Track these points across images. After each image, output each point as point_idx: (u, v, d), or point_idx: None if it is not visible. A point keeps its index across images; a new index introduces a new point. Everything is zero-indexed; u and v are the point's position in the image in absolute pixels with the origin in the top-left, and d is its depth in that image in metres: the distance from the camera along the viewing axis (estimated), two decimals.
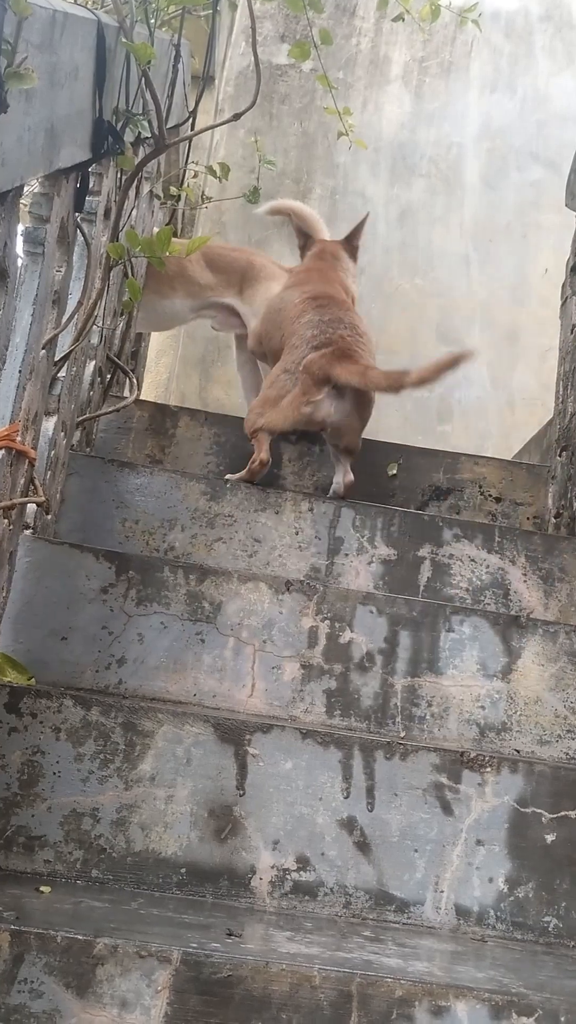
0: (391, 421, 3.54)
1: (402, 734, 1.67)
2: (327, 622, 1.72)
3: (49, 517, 1.88)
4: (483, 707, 1.71)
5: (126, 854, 1.30)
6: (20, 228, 1.48)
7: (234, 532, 2.03)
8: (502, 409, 3.66)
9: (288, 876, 1.31)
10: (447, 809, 1.36)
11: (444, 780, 1.37)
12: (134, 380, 2.28)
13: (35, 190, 1.55)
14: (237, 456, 2.43)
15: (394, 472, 2.45)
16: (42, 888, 1.20)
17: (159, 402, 2.80)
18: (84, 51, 1.48)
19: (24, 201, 1.56)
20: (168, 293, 2.81)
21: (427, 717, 1.69)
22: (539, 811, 1.37)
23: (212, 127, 2.41)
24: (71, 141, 1.48)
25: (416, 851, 1.34)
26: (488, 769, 1.37)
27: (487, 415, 3.67)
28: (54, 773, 1.32)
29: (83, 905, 1.16)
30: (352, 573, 2.03)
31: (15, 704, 1.34)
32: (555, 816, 1.36)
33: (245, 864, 1.31)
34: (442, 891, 1.32)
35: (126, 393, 2.46)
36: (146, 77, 1.66)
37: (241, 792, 1.34)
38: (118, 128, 1.77)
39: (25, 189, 1.48)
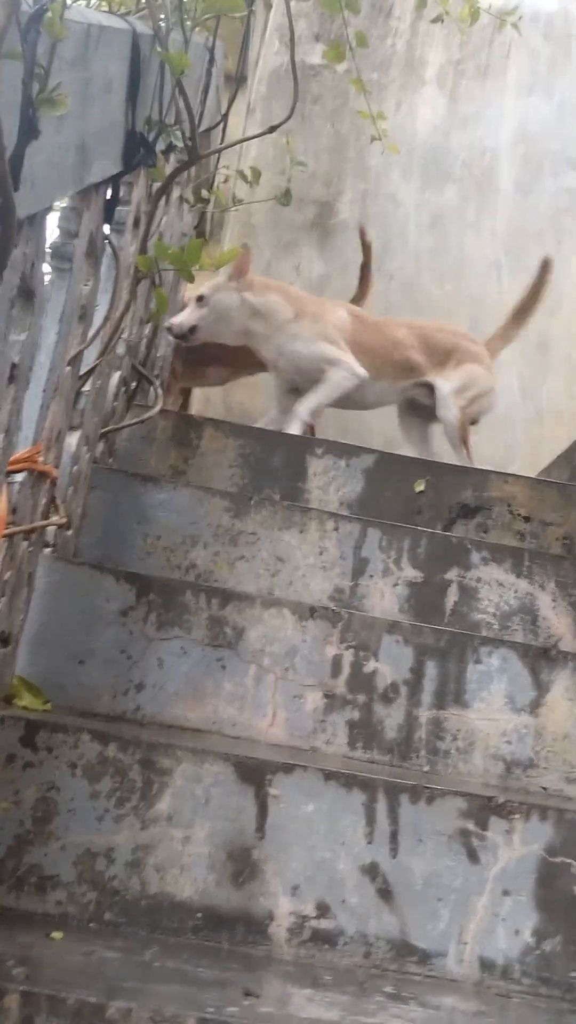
0: None
1: (426, 768, 1.62)
2: (351, 651, 1.68)
3: (70, 533, 1.85)
4: (510, 742, 1.66)
5: (140, 896, 1.26)
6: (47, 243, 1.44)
7: (257, 550, 1.99)
8: (530, 420, 3.60)
9: (307, 923, 1.27)
10: (473, 857, 1.31)
11: (471, 826, 1.32)
12: (159, 391, 2.24)
13: (64, 204, 1.51)
14: (262, 469, 2.39)
15: (421, 489, 2.40)
16: (53, 934, 1.17)
17: (183, 412, 2.76)
18: (118, 63, 1.44)
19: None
20: None
21: (452, 751, 1.65)
22: (569, 861, 1.32)
23: (245, 140, 2.36)
24: (102, 155, 1.44)
25: (440, 900, 1.29)
26: (516, 816, 1.33)
27: (515, 426, 3.61)
28: (69, 811, 1.28)
29: (95, 956, 1.13)
30: (377, 595, 1.98)
31: (31, 738, 1.31)
32: None
33: (263, 910, 1.27)
34: (466, 943, 1.28)
35: (152, 401, 2.42)
36: (181, 88, 1.61)
37: (261, 835, 1.30)
38: (150, 138, 1.73)
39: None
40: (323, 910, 1.28)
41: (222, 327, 2.86)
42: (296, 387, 2.95)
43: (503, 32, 3.86)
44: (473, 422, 3.08)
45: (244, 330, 2.88)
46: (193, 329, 2.83)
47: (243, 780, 1.32)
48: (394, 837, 1.31)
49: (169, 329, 2.81)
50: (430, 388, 3.03)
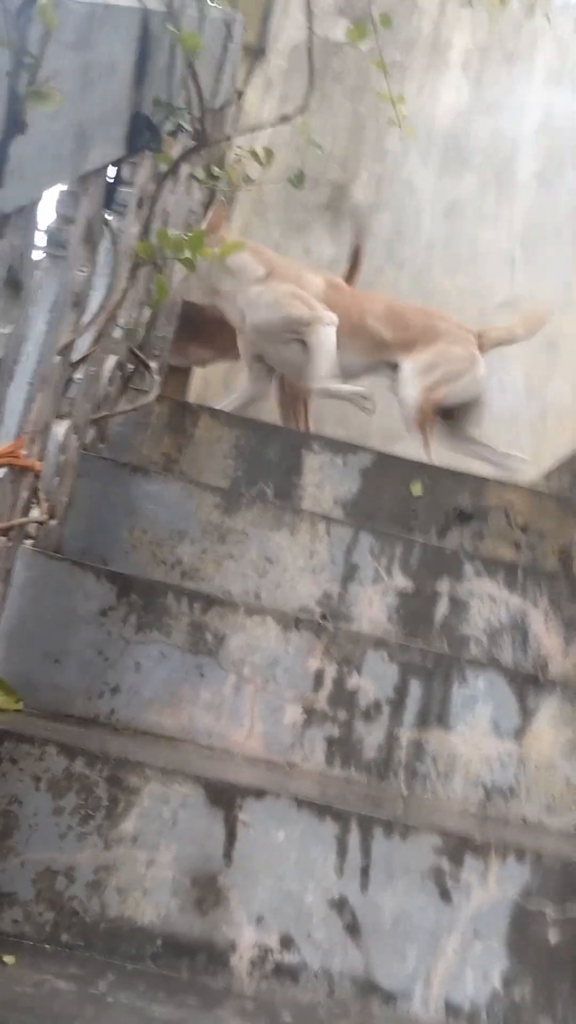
0: None
1: (404, 791, 1.58)
2: (335, 665, 1.63)
3: (53, 523, 1.79)
4: (492, 769, 1.62)
5: (100, 919, 1.22)
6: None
7: (246, 549, 1.94)
8: (534, 420, 3.54)
9: (270, 956, 1.23)
10: (446, 896, 1.27)
11: (445, 865, 1.28)
12: (155, 376, 2.18)
13: (62, 188, 1.45)
14: (257, 462, 2.33)
15: (418, 492, 2.35)
16: (5, 958, 1.13)
17: (179, 398, 2.70)
18: (124, 43, 1.37)
19: None
20: None
21: (432, 775, 1.60)
22: (544, 908, 1.28)
23: (260, 128, 2.27)
24: (103, 140, 1.37)
25: (409, 939, 1.25)
26: (493, 857, 1.29)
27: (518, 425, 3.54)
28: (30, 826, 1.24)
29: (46, 987, 1.08)
30: (365, 603, 1.93)
31: None
32: (560, 915, 1.27)
33: (226, 940, 1.23)
34: (433, 985, 1.24)
35: (148, 386, 2.35)
36: (192, 71, 1.54)
37: (228, 861, 1.25)
38: (157, 120, 1.65)
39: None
40: (287, 943, 1.24)
41: (191, 282, 2.68)
42: (262, 354, 2.83)
43: (532, 19, 3.76)
44: (447, 409, 2.89)
45: (211, 288, 2.73)
46: None
47: (212, 803, 1.27)
48: (365, 872, 1.27)
49: None
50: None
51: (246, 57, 2.78)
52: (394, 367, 2.88)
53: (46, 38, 0.90)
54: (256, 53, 2.76)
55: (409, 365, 2.82)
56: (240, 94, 2.45)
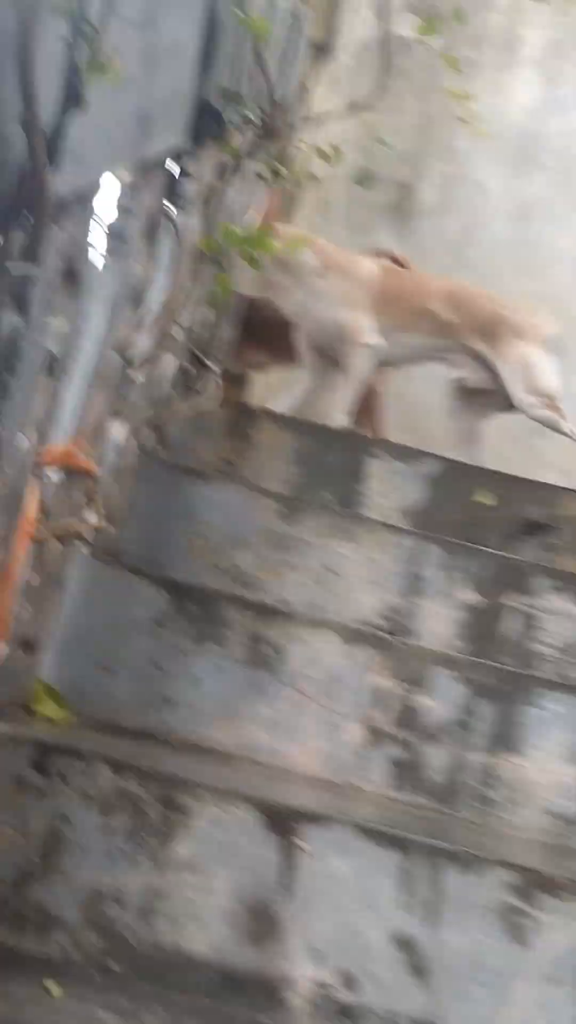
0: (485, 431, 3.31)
1: (472, 818, 1.49)
2: (399, 683, 1.55)
3: (110, 529, 1.74)
4: (567, 797, 1.52)
5: (150, 948, 1.15)
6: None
7: (306, 559, 1.86)
8: None
9: (330, 995, 1.15)
10: (519, 937, 1.18)
11: (518, 903, 1.19)
12: (217, 378, 2.12)
13: (124, 181, 1.39)
14: (319, 468, 2.26)
15: (484, 501, 2.25)
16: (50, 987, 1.06)
17: (240, 402, 2.64)
18: (189, 24, 1.31)
19: None
20: None
21: (502, 802, 1.51)
22: None
23: (328, 116, 2.20)
24: (166, 127, 1.31)
25: (478, 983, 1.16)
26: (570, 894, 1.19)
27: None
28: (79, 846, 1.18)
29: (94, 1021, 1.02)
30: (431, 617, 1.84)
31: (43, 762, 1.20)
32: None
33: (283, 975, 1.16)
34: None
35: (209, 389, 2.30)
36: (260, 59, 1.47)
37: (286, 890, 1.18)
38: (222, 110, 1.59)
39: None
40: (349, 982, 1.16)
41: (242, 274, 2.64)
42: (320, 345, 2.74)
43: None
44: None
45: (265, 280, 2.60)
46: None
47: (270, 828, 1.20)
48: (432, 907, 1.18)
49: None
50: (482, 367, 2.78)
51: (312, 54, 2.71)
52: (476, 359, 2.79)
53: (108, 8, 0.83)
54: (322, 50, 2.69)
55: (503, 366, 2.74)
56: (306, 90, 2.38)
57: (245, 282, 2.68)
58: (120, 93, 1.03)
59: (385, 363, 2.82)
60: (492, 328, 2.77)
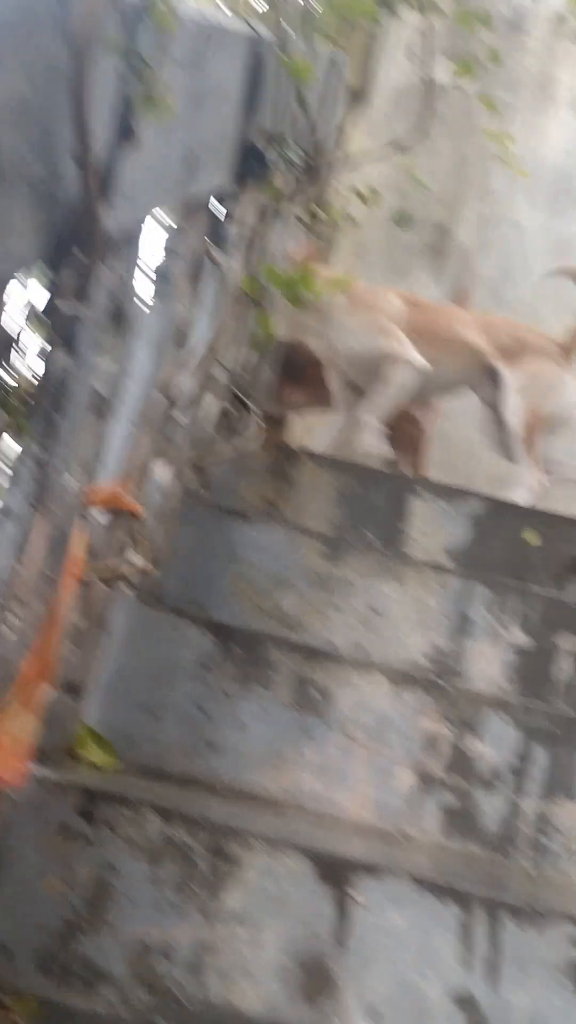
0: None
1: (529, 868, 1.44)
2: (451, 727, 1.51)
3: (155, 571, 1.72)
4: None
5: (200, 1004, 1.11)
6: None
7: (351, 600, 1.83)
8: None
9: None
10: None
11: None
12: (259, 420, 2.11)
13: (169, 223, 1.39)
14: (361, 508, 2.23)
15: (532, 541, 2.21)
16: None
17: (281, 443, 2.63)
18: (234, 68, 1.31)
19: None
20: None
21: (561, 852, 1.46)
22: None
23: (369, 159, 2.21)
24: (211, 168, 1.31)
25: None
26: None
27: None
28: (126, 896, 1.14)
29: None
30: (481, 660, 1.80)
31: (89, 809, 1.17)
32: None
33: None
34: None
35: (250, 430, 2.28)
36: (302, 101, 1.48)
37: (339, 945, 1.14)
38: (265, 151, 1.59)
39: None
40: None
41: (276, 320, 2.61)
42: (354, 382, 2.68)
43: None
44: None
45: (295, 323, 2.57)
46: None
47: (323, 879, 1.16)
48: (493, 964, 1.13)
49: None
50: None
51: (349, 99, 2.73)
52: (492, 378, 2.73)
53: (161, 46, 0.83)
54: (359, 96, 2.71)
55: (510, 380, 2.68)
56: (344, 134, 2.39)
57: (277, 326, 2.68)
58: (168, 132, 1.03)
59: (421, 399, 2.79)
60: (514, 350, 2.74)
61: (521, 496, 2.55)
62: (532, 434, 2.69)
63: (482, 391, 2.77)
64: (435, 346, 2.65)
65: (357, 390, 2.73)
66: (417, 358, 2.56)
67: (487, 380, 2.74)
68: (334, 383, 2.75)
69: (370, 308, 2.63)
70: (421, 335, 2.64)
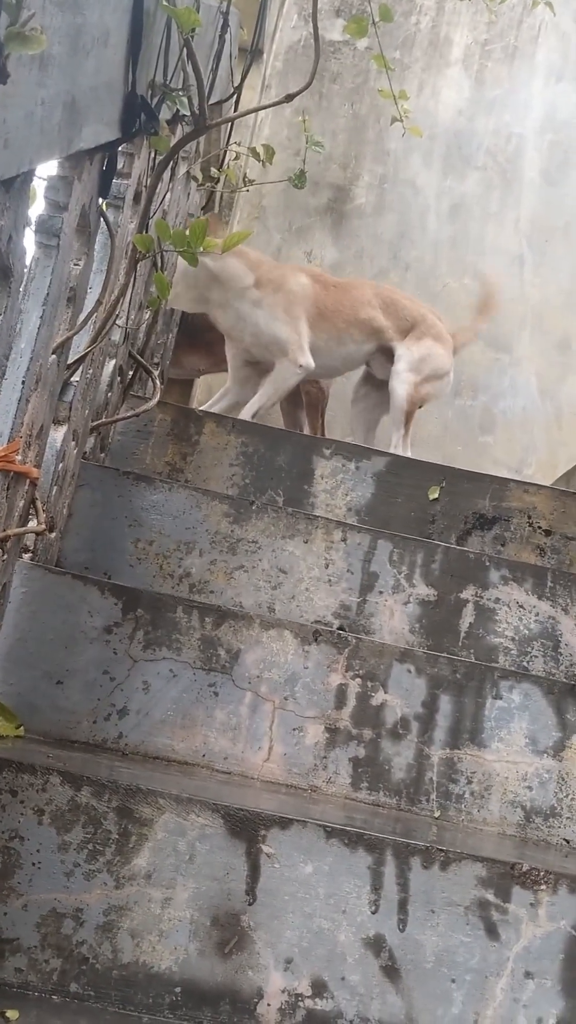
0: (431, 428, 3.31)
1: (437, 814, 1.47)
2: (358, 680, 1.52)
3: (53, 535, 1.68)
4: (530, 787, 1.50)
5: (112, 966, 1.10)
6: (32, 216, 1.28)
7: (258, 560, 1.83)
8: (549, 422, 3.43)
9: (301, 1003, 1.11)
10: (492, 932, 1.15)
11: (490, 897, 1.16)
12: (157, 381, 2.08)
13: (52, 172, 1.34)
14: (266, 469, 2.23)
15: (435, 496, 2.24)
16: (8, 1013, 1.01)
17: (182, 405, 2.60)
18: (117, 13, 1.27)
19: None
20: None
21: (466, 795, 1.49)
22: None
23: (261, 108, 2.19)
24: (96, 118, 1.27)
25: (453, 981, 1.13)
26: (543, 887, 1.17)
27: (532, 428, 3.43)
28: (33, 864, 1.12)
29: None
30: (386, 613, 1.82)
31: None
32: None
33: (252, 986, 1.11)
34: None
35: (150, 392, 2.25)
36: (189, 48, 1.44)
37: (251, 899, 1.14)
38: (153, 104, 1.55)
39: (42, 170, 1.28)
40: (320, 988, 1.12)
41: (179, 290, 2.63)
42: (252, 359, 2.76)
43: (533, 13, 3.68)
44: (420, 405, 2.90)
45: (201, 296, 2.66)
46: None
47: (233, 834, 1.16)
48: (403, 907, 1.15)
49: None
50: (388, 358, 2.88)
51: (242, 57, 2.69)
52: (389, 355, 2.88)
53: None
54: (252, 53, 2.67)
55: (405, 357, 2.83)
56: (239, 89, 2.35)
57: (181, 300, 2.67)
58: (47, 76, 0.99)
59: (322, 374, 2.89)
60: (412, 327, 2.89)
61: None
62: (413, 408, 2.84)
63: (376, 366, 2.88)
64: (339, 326, 2.73)
65: (252, 364, 2.77)
66: (307, 361, 2.64)
67: (384, 357, 2.85)
68: (231, 357, 2.78)
69: (278, 289, 2.66)
70: (326, 315, 2.72)
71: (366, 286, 2.92)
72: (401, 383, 2.81)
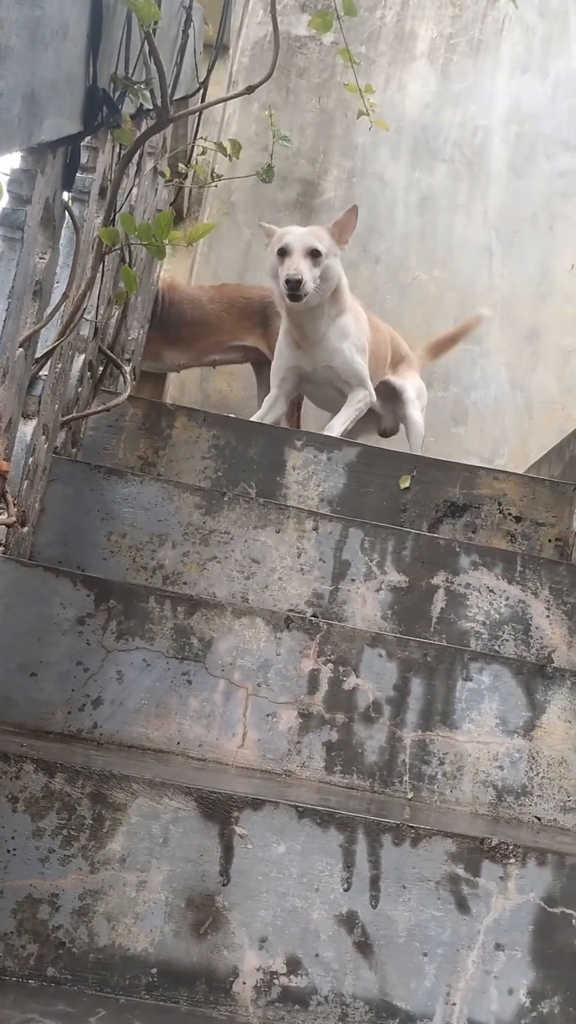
0: None
1: (410, 795, 1.49)
2: (330, 665, 1.54)
3: (25, 530, 1.69)
4: (501, 767, 1.53)
5: (88, 949, 1.12)
6: None
7: (230, 551, 1.84)
8: (520, 413, 3.46)
9: (276, 981, 1.13)
10: (463, 906, 1.17)
11: (460, 872, 1.18)
12: (128, 376, 2.08)
13: (16, 166, 1.35)
14: (237, 461, 2.24)
15: (407, 485, 2.26)
16: None
17: (154, 399, 2.60)
18: (76, 6, 1.28)
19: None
20: None
21: (439, 776, 1.51)
22: (569, 911, 1.18)
23: (224, 99, 2.20)
24: (58, 111, 1.28)
25: (426, 955, 1.15)
26: (512, 860, 1.19)
27: (504, 418, 3.46)
28: (8, 851, 1.13)
29: None
30: (359, 601, 1.84)
31: None
32: None
33: (227, 965, 1.13)
34: (454, 1003, 1.14)
35: (120, 388, 2.26)
36: (150, 41, 1.45)
37: (225, 879, 1.15)
38: (116, 97, 1.56)
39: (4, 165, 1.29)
40: (294, 966, 1.14)
41: (318, 296, 2.57)
42: (300, 376, 2.78)
43: (496, 6, 3.71)
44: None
45: (317, 304, 2.62)
46: (305, 288, 2.51)
47: (206, 817, 1.17)
48: (375, 883, 1.17)
49: (287, 282, 2.53)
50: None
51: (207, 53, 2.70)
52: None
53: None
54: (217, 49, 2.68)
55: (410, 388, 3.05)
56: (203, 85, 2.36)
57: (309, 304, 2.66)
58: (4, 68, 1.00)
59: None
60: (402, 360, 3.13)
61: None
62: None
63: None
64: (372, 365, 2.86)
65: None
66: (373, 392, 2.82)
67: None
68: (281, 368, 2.81)
69: (359, 319, 2.79)
70: (372, 352, 2.85)
71: (383, 328, 3.03)
72: (416, 411, 3.03)
